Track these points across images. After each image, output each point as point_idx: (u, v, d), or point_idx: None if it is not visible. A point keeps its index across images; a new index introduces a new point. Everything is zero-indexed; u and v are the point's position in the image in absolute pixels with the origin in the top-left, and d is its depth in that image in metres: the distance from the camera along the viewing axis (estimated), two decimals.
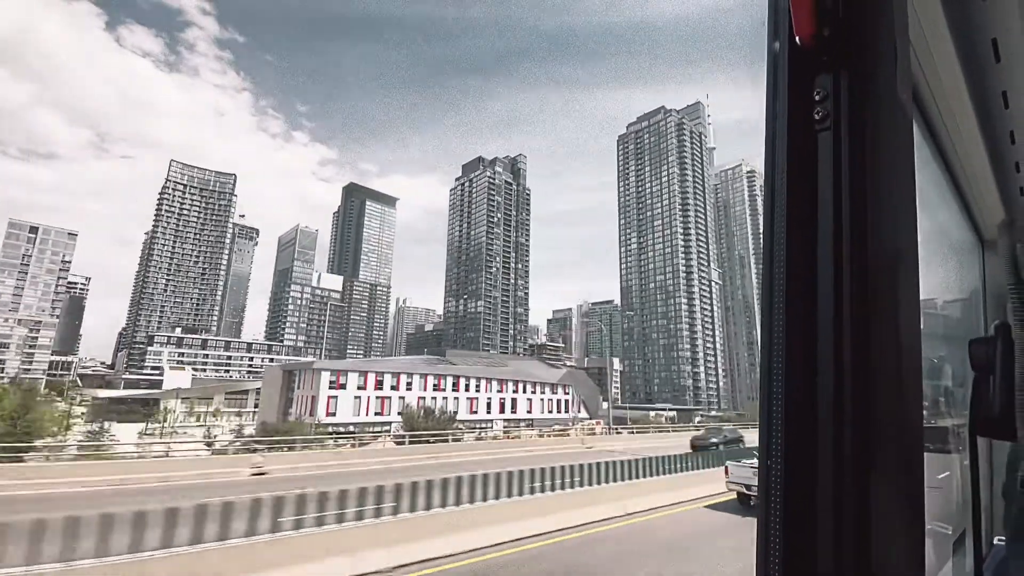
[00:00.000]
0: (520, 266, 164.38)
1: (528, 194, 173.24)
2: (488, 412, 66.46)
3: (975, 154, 1.68)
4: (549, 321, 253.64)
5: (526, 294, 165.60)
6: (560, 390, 76.87)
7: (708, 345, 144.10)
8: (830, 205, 0.67)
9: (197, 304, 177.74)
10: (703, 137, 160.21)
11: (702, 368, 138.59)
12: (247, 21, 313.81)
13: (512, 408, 69.33)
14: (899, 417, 0.62)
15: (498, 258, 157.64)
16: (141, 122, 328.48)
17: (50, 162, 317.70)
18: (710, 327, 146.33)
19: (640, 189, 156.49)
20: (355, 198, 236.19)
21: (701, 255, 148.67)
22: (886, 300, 0.64)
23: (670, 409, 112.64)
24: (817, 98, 0.70)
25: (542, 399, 73.76)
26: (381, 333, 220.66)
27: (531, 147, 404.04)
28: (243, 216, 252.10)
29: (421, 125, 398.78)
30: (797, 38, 0.70)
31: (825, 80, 0.69)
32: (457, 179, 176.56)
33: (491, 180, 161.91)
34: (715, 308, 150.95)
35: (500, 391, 68.58)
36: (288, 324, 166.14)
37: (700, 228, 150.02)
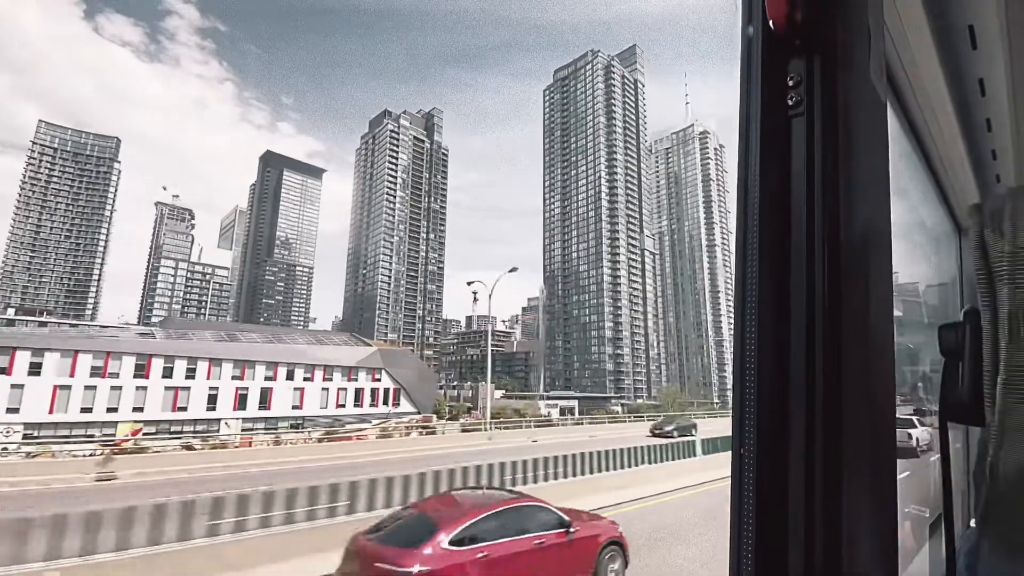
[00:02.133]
0: (433, 236, 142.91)
1: (445, 154, 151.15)
2: (213, 408, 45.42)
3: (952, 142, 1.68)
4: (524, 309, 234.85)
5: (440, 268, 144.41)
6: (364, 376, 56.01)
7: (637, 324, 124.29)
8: (803, 190, 0.67)
9: (68, 284, 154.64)
10: (639, 85, 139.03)
11: (627, 350, 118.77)
12: (229, 10, 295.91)
13: (264, 402, 48.31)
14: (871, 402, 0.62)
15: (402, 226, 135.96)
16: (122, 113, 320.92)
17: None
18: (640, 303, 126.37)
19: (565, 145, 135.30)
20: (272, 168, 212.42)
21: (632, 220, 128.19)
22: (858, 284, 0.64)
23: (572, 398, 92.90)
24: (791, 83, 0.69)
25: (325, 388, 52.87)
26: (301, 318, 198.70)
27: (527, 141, 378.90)
28: (176, 196, 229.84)
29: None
30: (771, 22, 0.69)
31: (798, 65, 0.69)
32: (363, 137, 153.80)
33: (393, 135, 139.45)
34: (648, 282, 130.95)
35: (240, 377, 47.48)
36: (156, 304, 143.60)
37: (631, 188, 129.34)
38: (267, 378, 49.29)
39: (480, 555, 5.90)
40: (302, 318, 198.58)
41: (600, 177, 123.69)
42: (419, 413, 59.41)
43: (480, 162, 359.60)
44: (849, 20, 0.68)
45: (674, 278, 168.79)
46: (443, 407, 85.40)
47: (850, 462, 0.60)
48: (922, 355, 1.94)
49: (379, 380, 57.11)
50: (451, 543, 5.78)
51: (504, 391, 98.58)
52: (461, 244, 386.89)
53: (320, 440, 32.69)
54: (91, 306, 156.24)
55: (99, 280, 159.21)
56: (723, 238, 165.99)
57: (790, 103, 0.69)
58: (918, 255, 1.93)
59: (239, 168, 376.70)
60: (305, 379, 51.59)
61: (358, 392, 55.15)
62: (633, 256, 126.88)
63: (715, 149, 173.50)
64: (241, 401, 47.08)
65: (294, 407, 50.24)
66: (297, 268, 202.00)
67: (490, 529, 6.21)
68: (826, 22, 0.67)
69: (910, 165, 1.67)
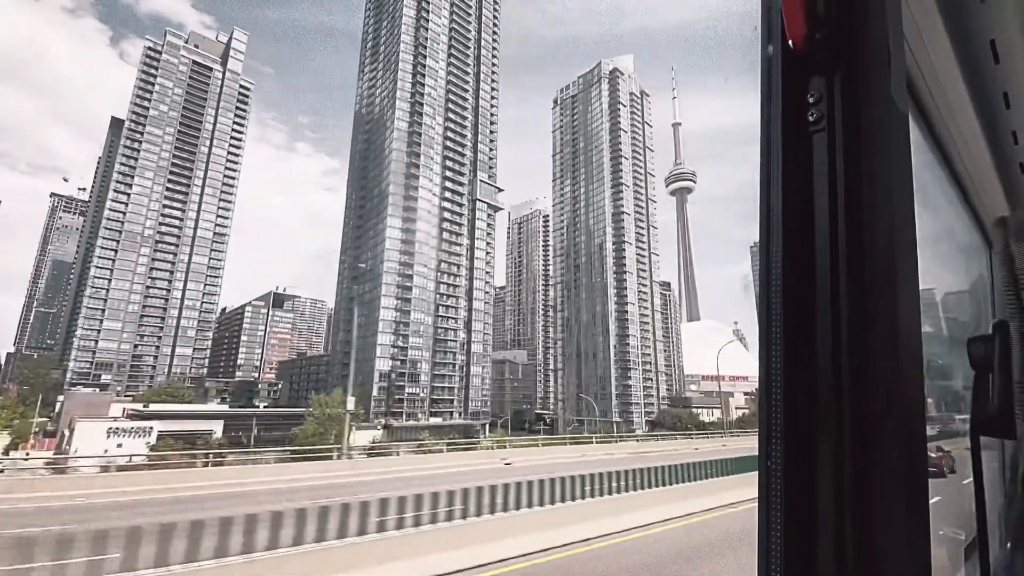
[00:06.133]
0: (211, 190, 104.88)
1: (245, 89, 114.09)
2: None
3: (978, 155, 1.69)
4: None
5: (220, 235, 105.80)
6: None
7: (450, 305, 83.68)
8: (826, 205, 0.67)
9: None
10: None
11: (420, 341, 77.97)
12: (248, 34, 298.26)
13: None
14: (900, 418, 0.62)
15: (148, 175, 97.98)
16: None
17: (58, 175, 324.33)
18: (460, 277, 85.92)
19: (374, 59, 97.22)
20: (116, 138, 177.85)
21: (455, 154, 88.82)
22: (884, 301, 0.64)
23: (207, 416, 52.48)
24: (811, 100, 0.70)
25: None
26: None
27: (538, 160, 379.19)
28: (83, 189, 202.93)
29: None
30: (790, 41, 0.70)
31: (818, 82, 0.70)
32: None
33: (152, 56, 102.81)
34: (480, 247, 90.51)
35: None
36: None
37: (457, 113, 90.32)
38: None
39: None
40: None
41: (396, 93, 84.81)
42: None
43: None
44: (869, 38, 0.69)
45: (575, 258, 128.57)
46: None
47: (881, 478, 0.59)
48: (954, 370, 1.95)
49: None
50: None
51: (145, 405, 58.61)
52: None
53: None
54: None
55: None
56: (637, 207, 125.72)
57: (811, 119, 0.70)
58: (945, 270, 1.94)
59: (260, 187, 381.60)
60: None
61: None
62: (455, 206, 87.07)
63: (632, 94, 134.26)
64: None
65: None
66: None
67: None
68: (845, 41, 0.68)
69: (936, 180, 1.66)
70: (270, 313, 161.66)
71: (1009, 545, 1.81)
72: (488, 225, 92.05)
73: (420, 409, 74.82)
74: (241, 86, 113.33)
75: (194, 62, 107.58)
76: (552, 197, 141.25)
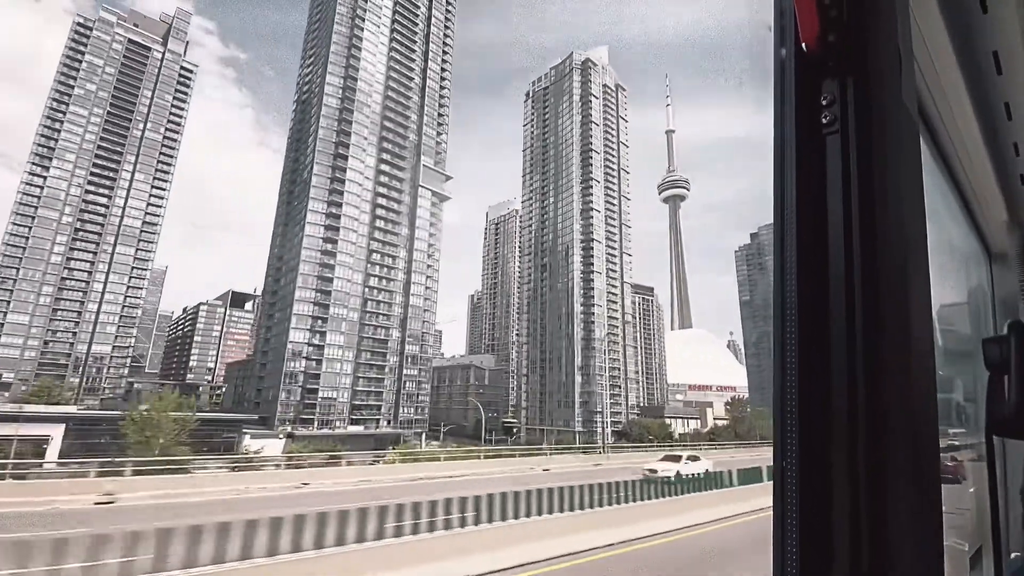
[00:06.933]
0: (142, 175, 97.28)
1: (189, 71, 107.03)
2: None
3: (980, 165, 1.70)
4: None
5: (151, 222, 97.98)
6: None
7: (383, 300, 75.45)
8: (839, 206, 0.68)
9: None
10: None
11: (338, 337, 69.66)
12: (249, 38, 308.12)
13: None
14: (913, 419, 0.62)
15: (70, 157, 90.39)
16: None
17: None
18: (395, 269, 77.80)
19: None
20: None
21: (394, 135, 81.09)
22: (898, 300, 0.64)
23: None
24: (824, 102, 0.71)
25: None
26: None
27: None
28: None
29: None
30: (803, 44, 0.70)
31: (832, 85, 0.70)
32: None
33: (82, 32, 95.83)
34: (420, 238, 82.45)
35: None
36: None
37: (398, 84, 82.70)
38: None
39: None
40: None
41: (327, 67, 77.26)
42: None
43: None
44: (880, 43, 0.70)
45: (542, 257, 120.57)
46: None
47: (894, 479, 0.60)
48: (957, 378, 1.97)
49: None
50: None
51: None
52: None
53: None
54: None
55: None
56: (608, 204, 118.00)
57: (824, 121, 0.70)
58: (948, 278, 1.98)
59: (259, 189, 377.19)
60: None
61: None
62: (393, 192, 79.19)
63: (604, 86, 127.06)
64: None
65: None
66: None
67: None
68: (858, 44, 0.69)
69: (939, 189, 1.67)
70: (227, 313, 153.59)
71: (1015, 555, 1.74)
72: (432, 215, 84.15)
73: (339, 416, 66.37)
74: (182, 67, 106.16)
75: (130, 40, 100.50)
76: (521, 194, 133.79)
